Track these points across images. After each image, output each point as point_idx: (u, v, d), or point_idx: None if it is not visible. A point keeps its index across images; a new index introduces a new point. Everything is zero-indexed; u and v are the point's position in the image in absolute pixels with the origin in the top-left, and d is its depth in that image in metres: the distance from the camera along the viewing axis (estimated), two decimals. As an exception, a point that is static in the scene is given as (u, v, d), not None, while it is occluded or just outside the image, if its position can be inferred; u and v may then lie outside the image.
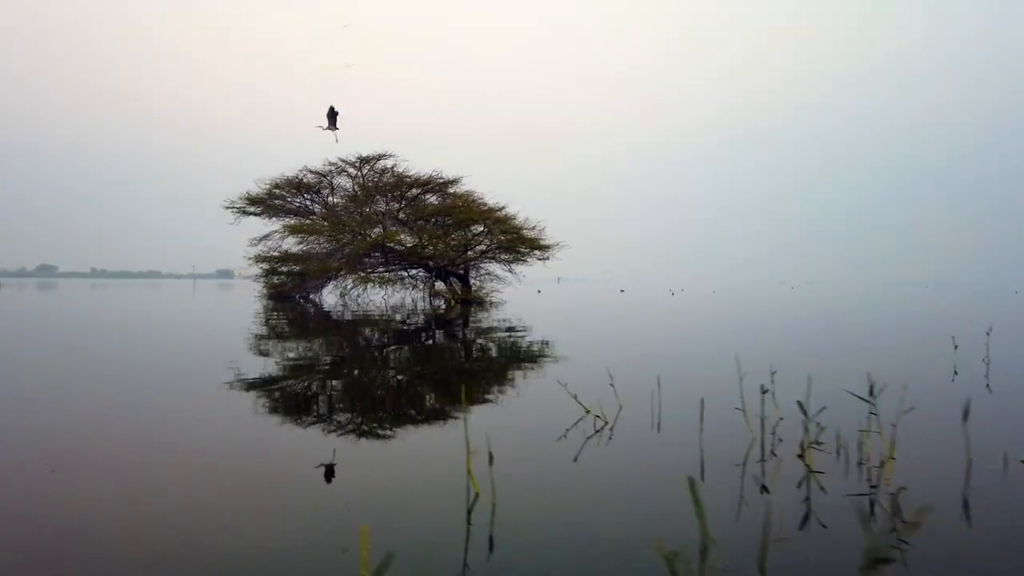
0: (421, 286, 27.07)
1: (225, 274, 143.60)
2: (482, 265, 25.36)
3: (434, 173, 26.64)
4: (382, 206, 26.47)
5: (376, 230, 25.40)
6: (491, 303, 23.72)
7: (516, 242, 24.51)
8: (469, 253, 25.35)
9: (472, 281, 26.33)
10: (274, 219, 28.20)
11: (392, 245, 24.63)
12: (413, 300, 25.36)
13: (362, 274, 24.60)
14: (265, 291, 28.12)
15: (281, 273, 27.14)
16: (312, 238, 26.41)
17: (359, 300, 24.61)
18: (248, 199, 27.66)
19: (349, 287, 25.03)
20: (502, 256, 24.97)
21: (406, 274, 26.58)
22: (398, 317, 16.71)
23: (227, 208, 27.68)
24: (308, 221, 26.99)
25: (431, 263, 25.88)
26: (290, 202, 28.26)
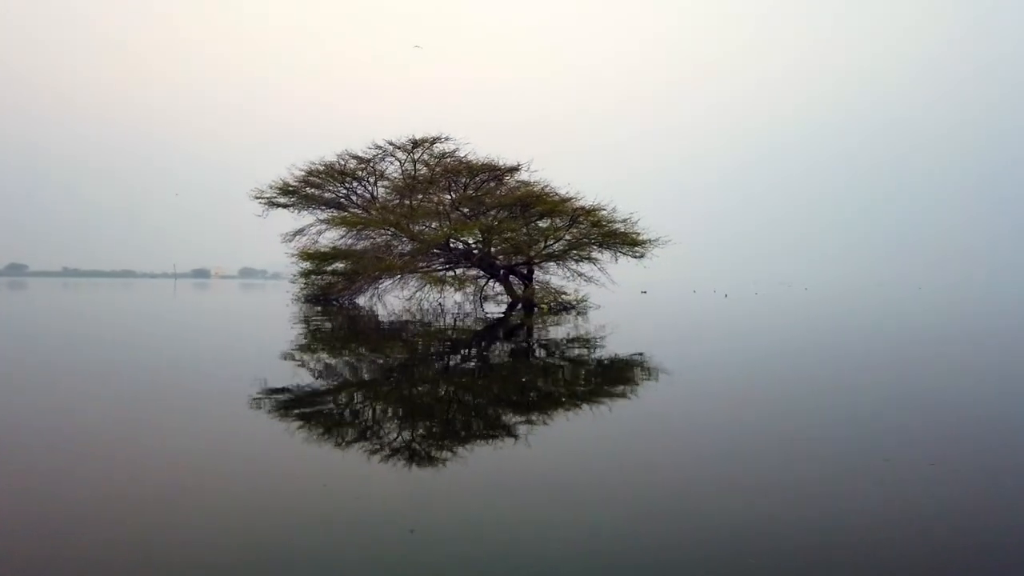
0: (472, 286, 23.54)
1: (202, 274, 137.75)
2: (569, 265, 21.78)
3: (489, 159, 23.27)
4: (437, 195, 22.91)
5: (433, 224, 21.88)
6: (586, 307, 20.49)
7: (609, 237, 21.07)
8: (547, 249, 21.85)
9: (534, 281, 22.90)
10: (303, 212, 24.64)
11: (465, 241, 21.23)
12: (457, 303, 21.86)
13: (430, 273, 21.12)
14: (302, 293, 24.49)
15: (325, 272, 23.45)
16: (354, 231, 22.75)
17: (420, 304, 21.14)
18: (280, 189, 24.02)
19: (415, 289, 21.50)
20: (595, 253, 21.49)
21: (453, 274, 23.05)
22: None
23: (256, 199, 24.14)
24: (346, 214, 23.34)
25: (498, 261, 22.48)
26: (326, 191, 24.62)
